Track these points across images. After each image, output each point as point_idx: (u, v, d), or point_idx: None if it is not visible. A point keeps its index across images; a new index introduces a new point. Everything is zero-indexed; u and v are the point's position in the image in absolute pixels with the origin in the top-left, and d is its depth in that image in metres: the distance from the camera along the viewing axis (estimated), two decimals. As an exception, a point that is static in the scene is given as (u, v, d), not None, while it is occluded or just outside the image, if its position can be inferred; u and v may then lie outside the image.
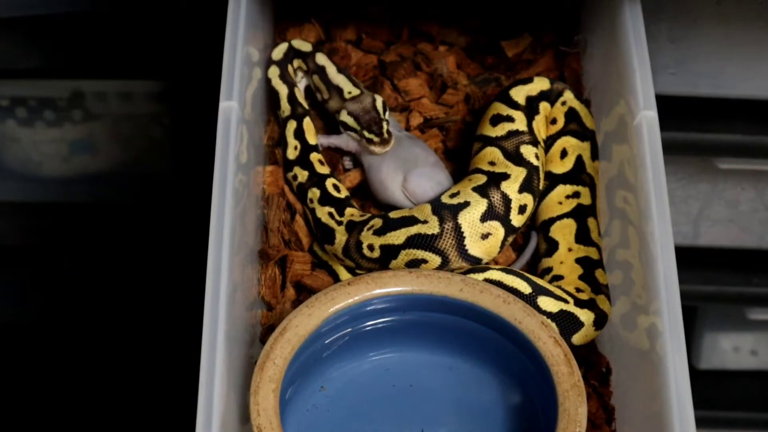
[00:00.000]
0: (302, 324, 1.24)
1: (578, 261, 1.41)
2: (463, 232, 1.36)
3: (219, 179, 1.29)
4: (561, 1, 1.66)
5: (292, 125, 1.49)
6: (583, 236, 1.42)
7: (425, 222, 1.36)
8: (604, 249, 1.44)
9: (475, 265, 1.39)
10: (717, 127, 1.75)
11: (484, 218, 1.36)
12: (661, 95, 1.44)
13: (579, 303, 1.35)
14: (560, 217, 1.44)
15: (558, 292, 1.36)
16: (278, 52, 1.54)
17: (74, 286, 2.24)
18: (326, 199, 1.43)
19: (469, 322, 1.29)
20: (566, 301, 1.35)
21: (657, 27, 1.63)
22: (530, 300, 1.34)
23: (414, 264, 1.37)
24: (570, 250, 1.42)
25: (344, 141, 1.51)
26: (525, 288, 1.35)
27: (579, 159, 1.46)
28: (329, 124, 1.56)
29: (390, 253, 1.36)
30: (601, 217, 1.46)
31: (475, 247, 1.37)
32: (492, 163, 1.42)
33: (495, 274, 1.35)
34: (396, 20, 1.67)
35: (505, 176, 1.39)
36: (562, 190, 1.45)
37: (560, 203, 1.44)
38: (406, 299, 1.29)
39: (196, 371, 1.18)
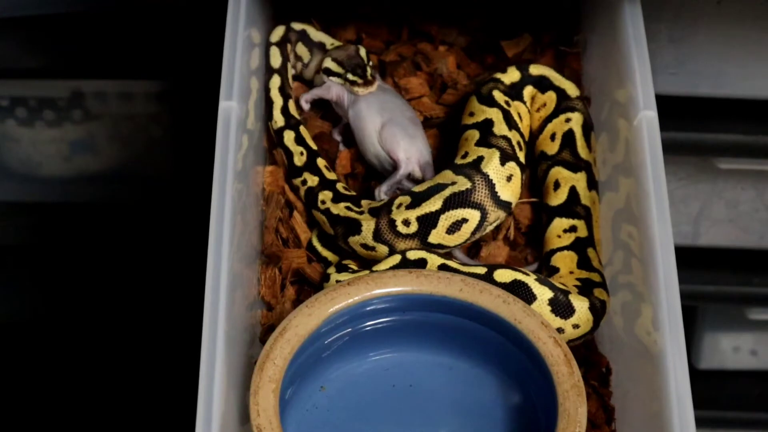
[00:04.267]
0: (302, 324, 1.24)
1: (579, 280, 1.40)
2: (492, 180, 1.39)
3: (219, 179, 1.29)
4: (561, 1, 1.66)
5: (290, 135, 1.50)
6: (584, 264, 1.42)
7: (454, 183, 1.38)
8: (606, 276, 1.43)
9: (507, 211, 1.41)
10: (717, 127, 1.75)
11: (503, 162, 1.40)
12: (661, 95, 1.44)
13: (541, 281, 1.35)
14: (560, 249, 1.44)
15: (521, 269, 1.37)
16: (275, 59, 1.54)
17: (74, 286, 2.24)
18: (339, 197, 1.44)
19: (468, 322, 1.29)
20: (526, 275, 1.35)
21: (657, 27, 1.63)
22: (487, 277, 1.34)
23: (455, 227, 1.38)
24: (571, 272, 1.42)
25: (326, 89, 1.53)
26: (480, 270, 1.36)
27: (572, 190, 1.46)
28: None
29: (429, 222, 1.37)
30: (604, 246, 1.45)
31: (504, 191, 1.40)
32: (471, 114, 1.47)
33: (452, 264, 1.37)
34: (396, 20, 1.67)
35: (491, 122, 1.43)
36: (559, 223, 1.45)
37: (559, 236, 1.45)
38: (406, 299, 1.29)
39: (196, 371, 1.18)
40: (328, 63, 1.52)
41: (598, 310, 1.36)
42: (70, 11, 1.86)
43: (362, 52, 1.53)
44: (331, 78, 1.52)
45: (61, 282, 2.24)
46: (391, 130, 1.47)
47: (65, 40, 1.95)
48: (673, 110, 1.69)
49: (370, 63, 1.53)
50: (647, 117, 1.34)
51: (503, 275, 1.35)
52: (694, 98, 1.73)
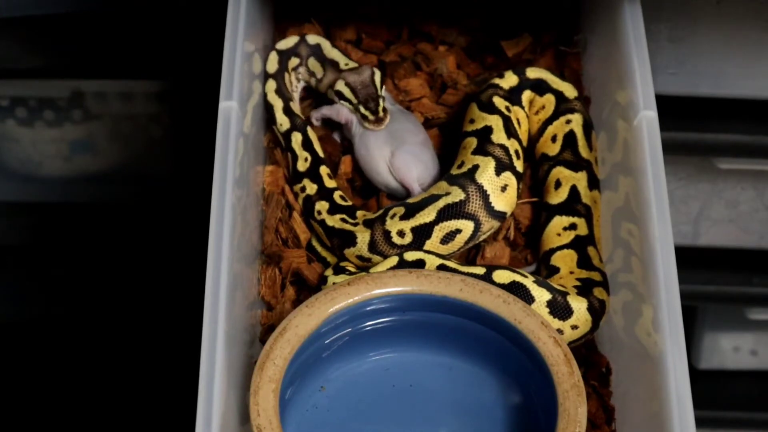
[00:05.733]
0: (302, 324, 1.24)
1: (579, 280, 1.40)
2: (486, 190, 1.39)
3: (219, 179, 1.29)
4: (561, 1, 1.66)
5: (297, 137, 1.49)
6: (584, 263, 1.42)
7: (448, 194, 1.39)
8: (607, 273, 1.42)
9: (502, 220, 1.42)
10: (717, 127, 1.75)
11: (498, 172, 1.40)
12: (661, 95, 1.44)
13: (539, 283, 1.35)
14: (560, 248, 1.44)
15: (519, 271, 1.37)
16: (271, 64, 1.53)
17: (74, 286, 2.24)
18: (335, 208, 1.44)
19: (468, 322, 1.29)
20: (525, 276, 1.35)
21: (657, 27, 1.63)
22: (486, 278, 1.34)
23: (448, 238, 1.38)
24: (571, 272, 1.41)
25: (336, 111, 1.52)
26: (479, 270, 1.36)
27: (573, 189, 1.46)
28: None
29: (423, 233, 1.38)
30: (604, 244, 1.45)
31: (499, 202, 1.40)
32: (472, 121, 1.46)
33: (451, 264, 1.37)
34: (396, 20, 1.67)
35: (490, 129, 1.43)
36: (559, 221, 1.45)
37: (559, 235, 1.45)
38: (406, 299, 1.29)
39: (196, 371, 1.18)
40: (341, 86, 1.49)
41: (597, 311, 1.36)
42: (70, 11, 1.86)
43: (376, 77, 1.50)
44: (341, 102, 1.50)
45: (61, 282, 2.24)
46: (404, 158, 1.46)
47: (65, 40, 1.95)
48: (673, 110, 1.69)
49: (383, 89, 1.50)
50: (647, 117, 1.34)
51: (502, 276, 1.35)
52: (694, 98, 1.72)
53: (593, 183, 1.47)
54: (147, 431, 2.16)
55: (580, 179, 1.46)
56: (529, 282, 1.34)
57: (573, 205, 1.45)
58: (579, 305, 1.35)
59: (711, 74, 1.70)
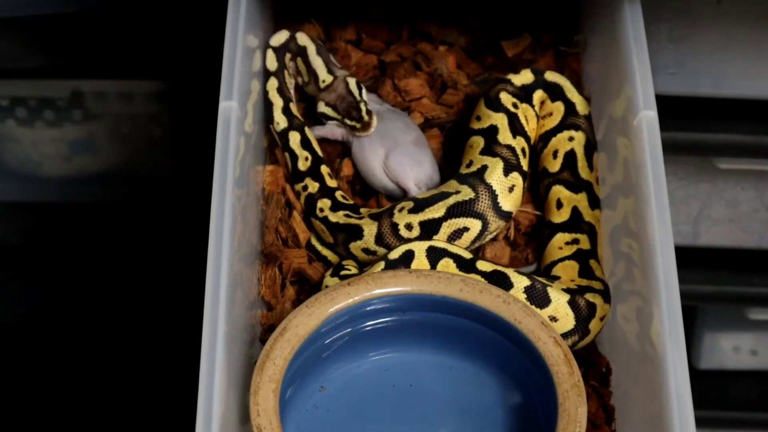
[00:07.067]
0: (302, 324, 1.24)
1: (578, 286, 1.39)
2: (495, 191, 1.40)
3: (219, 179, 1.29)
4: (561, 1, 1.66)
5: (295, 136, 1.49)
6: (586, 273, 1.42)
7: (458, 192, 1.40)
8: (609, 284, 1.42)
9: (507, 220, 1.43)
10: (717, 127, 1.75)
11: (506, 172, 1.41)
12: (661, 95, 1.44)
13: (521, 273, 1.35)
14: (562, 260, 1.44)
15: (505, 267, 1.37)
16: (271, 62, 1.53)
17: (74, 286, 2.24)
18: (338, 206, 1.44)
19: (468, 322, 1.29)
20: (507, 268, 1.36)
21: (657, 27, 1.63)
22: (470, 263, 1.35)
23: (456, 235, 1.39)
24: (572, 281, 1.41)
25: (329, 130, 1.53)
26: (466, 254, 1.37)
27: (575, 210, 1.46)
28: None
29: (431, 228, 1.38)
30: (605, 249, 1.45)
31: (506, 202, 1.41)
32: (478, 118, 1.47)
33: (439, 244, 1.37)
34: (396, 20, 1.67)
35: (495, 129, 1.44)
36: (561, 237, 1.45)
37: (560, 248, 1.45)
38: (406, 299, 1.29)
39: (196, 371, 1.18)
40: (323, 108, 1.51)
41: (580, 308, 1.35)
42: (70, 11, 1.86)
43: (352, 85, 1.51)
44: (329, 122, 1.52)
45: (61, 282, 2.25)
46: (398, 159, 1.46)
47: (65, 40, 1.95)
48: (673, 110, 1.69)
49: (363, 93, 1.51)
50: (647, 117, 1.34)
51: (485, 265, 1.36)
52: (694, 98, 1.72)
53: (594, 203, 1.47)
54: (147, 431, 2.16)
55: (581, 200, 1.46)
56: (510, 271, 1.35)
57: (576, 223, 1.45)
58: (559, 296, 1.35)
59: (711, 74, 1.70)
